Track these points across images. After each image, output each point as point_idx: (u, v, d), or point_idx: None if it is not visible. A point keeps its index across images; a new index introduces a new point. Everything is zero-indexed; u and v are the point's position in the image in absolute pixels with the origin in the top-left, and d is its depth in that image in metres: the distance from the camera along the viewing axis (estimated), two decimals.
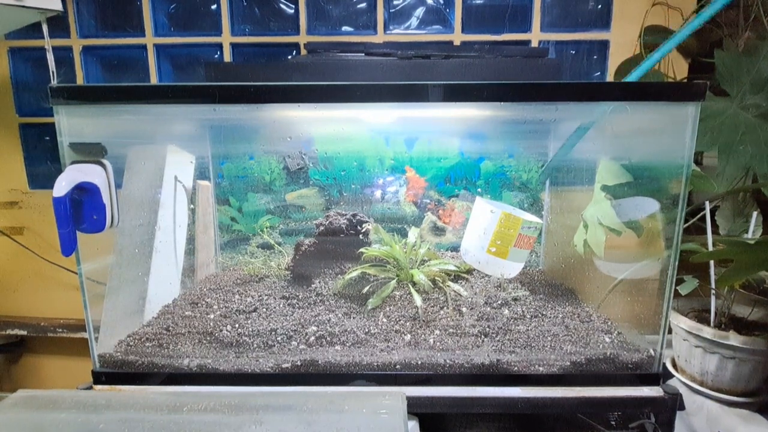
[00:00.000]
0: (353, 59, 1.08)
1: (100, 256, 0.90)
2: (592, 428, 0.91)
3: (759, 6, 1.15)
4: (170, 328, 0.91)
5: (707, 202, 0.97)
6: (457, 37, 1.38)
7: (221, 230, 1.38)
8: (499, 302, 0.99)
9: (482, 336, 0.87)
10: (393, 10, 1.40)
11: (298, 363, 0.81)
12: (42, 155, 1.51)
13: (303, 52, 1.37)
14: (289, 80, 0.75)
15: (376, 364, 0.81)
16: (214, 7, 1.40)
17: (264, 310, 0.97)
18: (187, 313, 0.97)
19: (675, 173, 0.79)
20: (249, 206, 1.37)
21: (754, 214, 0.98)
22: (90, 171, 0.77)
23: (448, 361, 0.80)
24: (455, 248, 1.32)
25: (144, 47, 1.41)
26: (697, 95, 0.75)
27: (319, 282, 1.10)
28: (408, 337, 0.87)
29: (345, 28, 1.41)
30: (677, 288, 0.92)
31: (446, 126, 1.30)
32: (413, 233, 1.17)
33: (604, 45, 1.37)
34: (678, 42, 0.85)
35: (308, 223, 1.34)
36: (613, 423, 0.93)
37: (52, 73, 1.14)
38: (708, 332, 0.89)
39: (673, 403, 0.78)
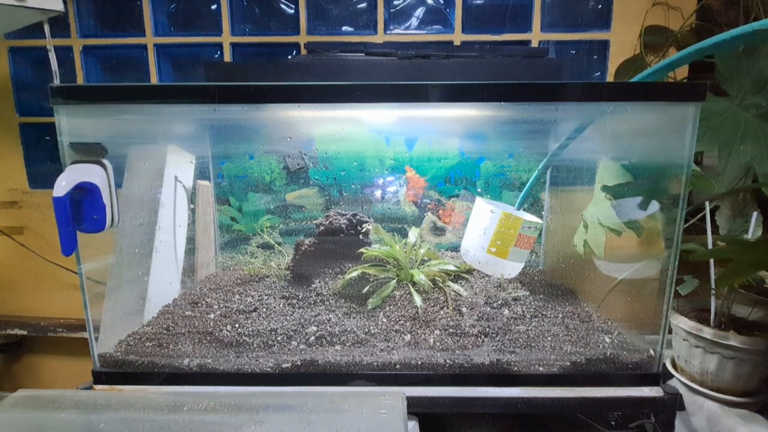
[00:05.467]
0: (353, 59, 1.08)
1: (100, 256, 0.90)
2: (592, 428, 0.91)
3: (759, 6, 1.15)
4: (170, 327, 0.91)
5: (707, 202, 0.97)
6: (458, 37, 1.38)
7: (221, 230, 1.38)
8: (499, 302, 0.99)
9: (482, 336, 0.87)
10: (393, 10, 1.40)
11: (298, 363, 0.81)
12: (42, 155, 1.51)
13: (303, 52, 1.37)
14: (289, 80, 0.75)
15: (376, 364, 0.81)
16: (214, 7, 1.40)
17: (264, 309, 0.97)
18: (187, 312, 0.97)
19: (675, 173, 0.79)
20: (249, 206, 1.37)
21: (754, 214, 0.98)
22: (90, 171, 0.77)
23: (448, 361, 0.80)
24: (455, 248, 1.32)
25: (144, 47, 1.41)
26: (697, 95, 0.75)
27: (319, 282, 1.10)
28: (408, 337, 0.87)
29: (345, 28, 1.41)
30: (677, 288, 0.92)
31: (446, 126, 1.30)
32: (413, 233, 1.17)
33: (604, 45, 1.37)
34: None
35: (308, 223, 1.34)
36: (613, 423, 0.93)
37: (55, 72, 1.14)
38: (708, 332, 0.89)
39: (673, 403, 0.78)
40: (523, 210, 1.20)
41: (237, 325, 0.91)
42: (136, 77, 1.44)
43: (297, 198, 1.36)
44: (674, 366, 1.00)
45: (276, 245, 1.31)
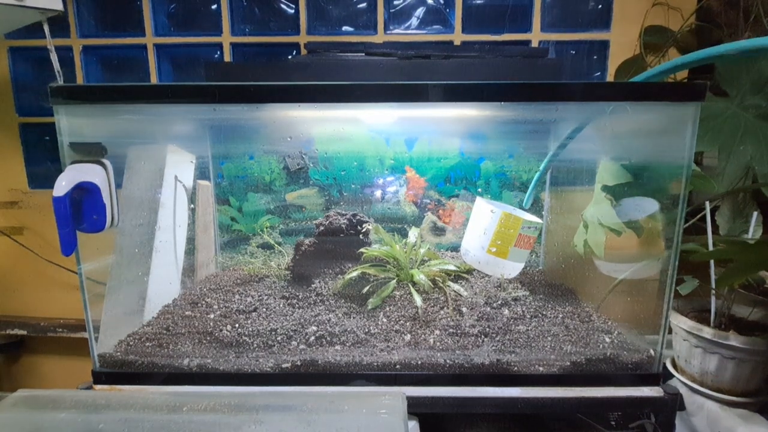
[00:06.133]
0: (353, 59, 1.08)
1: (100, 256, 0.90)
2: (592, 428, 0.91)
3: (759, 6, 1.15)
4: (170, 327, 0.91)
5: (707, 202, 0.97)
6: (458, 37, 1.38)
7: (221, 230, 1.38)
8: (499, 302, 0.99)
9: (482, 336, 0.87)
10: (393, 10, 1.40)
11: (298, 363, 0.81)
12: (42, 155, 1.51)
13: (303, 52, 1.37)
14: (289, 80, 0.75)
15: (376, 364, 0.81)
16: (214, 7, 1.40)
17: (264, 310, 0.97)
18: (187, 312, 0.97)
19: (675, 173, 0.79)
20: (249, 206, 1.37)
21: (754, 214, 0.98)
22: (90, 171, 0.77)
23: (448, 361, 0.80)
24: (455, 248, 1.32)
25: (144, 47, 1.41)
26: (697, 95, 0.75)
27: (319, 282, 1.10)
28: (408, 337, 0.87)
29: (345, 28, 1.41)
30: (677, 288, 0.92)
31: (446, 126, 1.30)
32: (413, 233, 1.17)
33: (604, 45, 1.37)
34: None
35: (308, 223, 1.34)
36: (613, 423, 0.93)
37: (58, 72, 1.14)
38: (708, 332, 0.89)
39: (673, 403, 0.78)
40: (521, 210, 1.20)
41: (237, 325, 0.90)
42: (136, 77, 1.44)
43: (297, 198, 1.36)
44: (674, 366, 1.00)
45: (276, 245, 1.31)
